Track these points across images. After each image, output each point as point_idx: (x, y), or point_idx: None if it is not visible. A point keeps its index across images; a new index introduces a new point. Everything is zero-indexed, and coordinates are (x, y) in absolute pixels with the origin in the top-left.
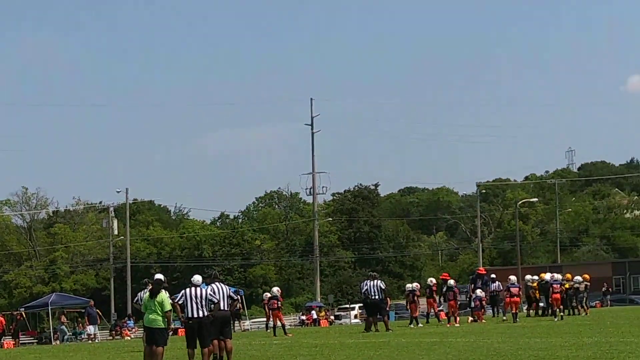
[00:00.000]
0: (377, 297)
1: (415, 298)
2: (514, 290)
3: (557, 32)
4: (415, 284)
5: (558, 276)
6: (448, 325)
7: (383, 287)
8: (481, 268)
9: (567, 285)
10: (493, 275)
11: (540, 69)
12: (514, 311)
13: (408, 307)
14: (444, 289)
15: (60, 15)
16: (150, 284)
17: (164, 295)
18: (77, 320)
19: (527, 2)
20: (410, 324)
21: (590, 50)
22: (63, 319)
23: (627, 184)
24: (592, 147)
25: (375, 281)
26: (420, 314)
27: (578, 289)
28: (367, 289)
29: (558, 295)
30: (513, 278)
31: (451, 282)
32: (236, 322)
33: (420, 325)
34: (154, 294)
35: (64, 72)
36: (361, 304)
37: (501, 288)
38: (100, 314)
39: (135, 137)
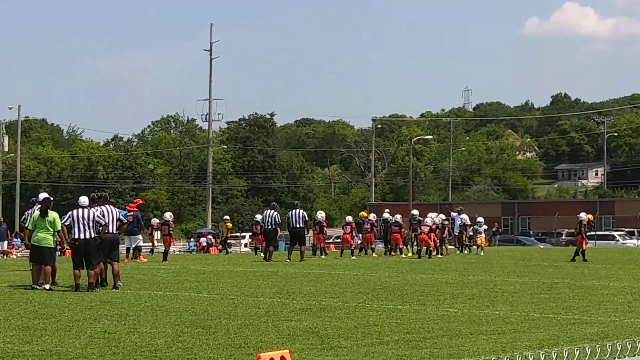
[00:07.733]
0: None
1: (324, 229)
2: (395, 227)
3: None
4: (321, 215)
5: (398, 216)
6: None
7: (278, 221)
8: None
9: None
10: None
11: (441, 9)
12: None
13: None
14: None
15: None
16: (38, 203)
17: (55, 214)
18: None
19: None
20: (314, 254)
21: None
22: None
23: (521, 126)
24: (488, 88)
25: (271, 211)
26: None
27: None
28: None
29: (398, 235)
30: (398, 217)
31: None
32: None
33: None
34: (44, 212)
35: None
36: (251, 233)
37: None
38: None
39: (30, 55)
